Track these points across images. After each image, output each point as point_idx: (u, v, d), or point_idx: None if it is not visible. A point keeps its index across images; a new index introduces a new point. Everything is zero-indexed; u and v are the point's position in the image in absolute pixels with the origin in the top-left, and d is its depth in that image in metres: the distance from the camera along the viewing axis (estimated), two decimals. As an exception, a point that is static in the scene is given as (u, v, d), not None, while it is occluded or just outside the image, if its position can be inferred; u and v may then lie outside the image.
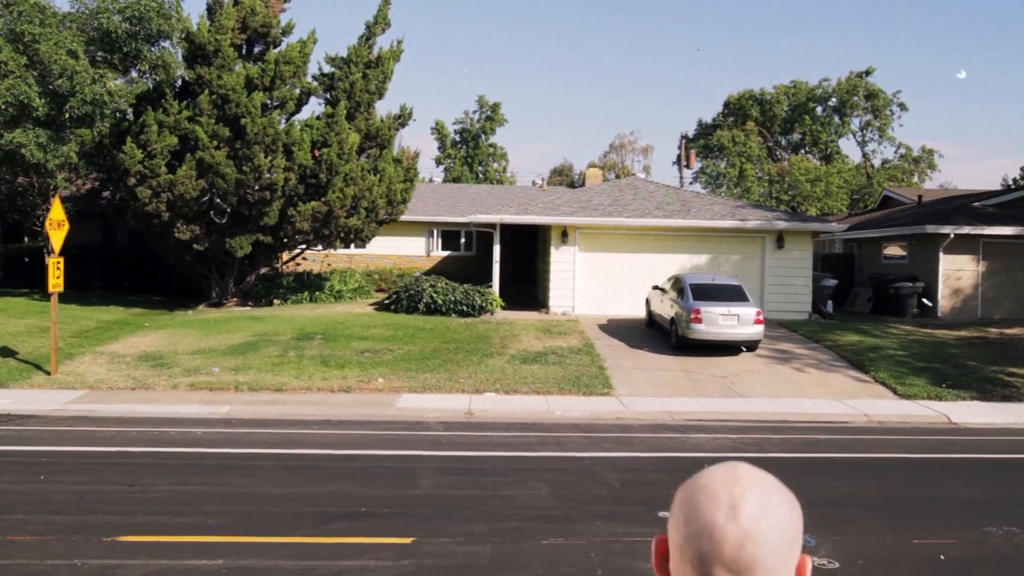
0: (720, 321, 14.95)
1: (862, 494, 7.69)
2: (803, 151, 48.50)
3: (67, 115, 16.02)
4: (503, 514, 6.80)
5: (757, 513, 0.94)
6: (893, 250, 23.37)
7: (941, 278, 21.10)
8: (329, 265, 25.06)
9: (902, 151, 47.37)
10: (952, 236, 20.72)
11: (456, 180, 49.79)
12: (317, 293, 21.32)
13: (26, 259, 23.25)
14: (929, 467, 9.03)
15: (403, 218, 24.38)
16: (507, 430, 10.31)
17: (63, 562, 5.55)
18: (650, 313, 17.98)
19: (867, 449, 9.74)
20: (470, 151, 55.03)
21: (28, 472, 7.84)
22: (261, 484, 7.57)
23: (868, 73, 47.16)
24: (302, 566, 5.56)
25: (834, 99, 47.24)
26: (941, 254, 20.99)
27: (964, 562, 6.01)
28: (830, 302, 21.56)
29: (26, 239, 24.14)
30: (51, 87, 16.42)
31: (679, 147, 40.77)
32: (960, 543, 6.36)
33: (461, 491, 7.43)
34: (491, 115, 55.47)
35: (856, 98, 46.42)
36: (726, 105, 50.03)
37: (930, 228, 20.83)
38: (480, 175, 53.19)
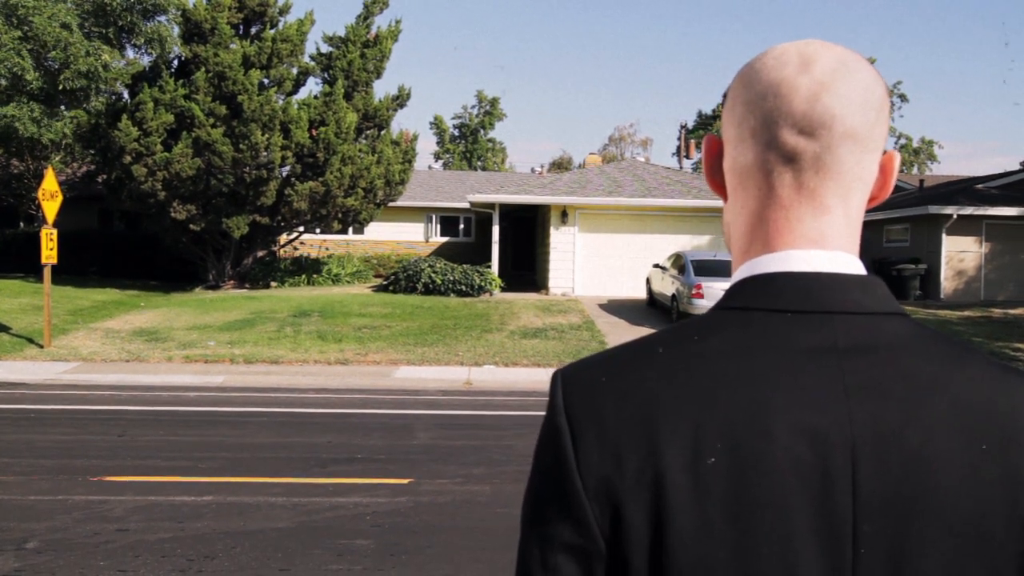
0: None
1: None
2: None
3: (60, 87, 15.83)
4: (503, 460, 6.60)
5: (836, 66, 0.74)
6: (895, 233, 23.19)
7: (944, 260, 20.91)
8: (327, 251, 24.89)
9: (902, 141, 47.22)
10: (955, 217, 20.53)
11: (455, 174, 49.72)
12: (315, 276, 21.13)
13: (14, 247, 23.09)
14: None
15: (401, 203, 24.22)
16: (507, 396, 10.13)
17: (47, 498, 5.36)
18: (651, 292, 17.80)
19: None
20: (469, 146, 54.93)
21: (13, 426, 7.65)
22: (253, 435, 7.38)
23: (868, 64, 47.03)
24: (292, 502, 5.36)
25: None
26: (944, 236, 20.80)
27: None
28: (832, 284, 21.38)
29: (21, 224, 23.98)
30: (46, 62, 16.25)
31: (679, 138, 40.65)
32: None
33: (460, 442, 7.24)
34: (490, 110, 55.37)
35: (856, 89, 46.27)
36: (726, 96, 49.81)
37: (933, 209, 20.64)
38: (479, 169, 53.06)
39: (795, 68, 0.74)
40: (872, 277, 0.74)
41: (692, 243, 19.85)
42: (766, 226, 0.76)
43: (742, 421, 0.66)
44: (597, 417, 0.69)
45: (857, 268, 0.74)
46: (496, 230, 20.47)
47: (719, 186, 0.83)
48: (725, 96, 0.81)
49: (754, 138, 0.75)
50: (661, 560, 0.65)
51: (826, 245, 0.74)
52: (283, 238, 22.89)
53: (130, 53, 19.58)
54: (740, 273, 0.76)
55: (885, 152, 0.78)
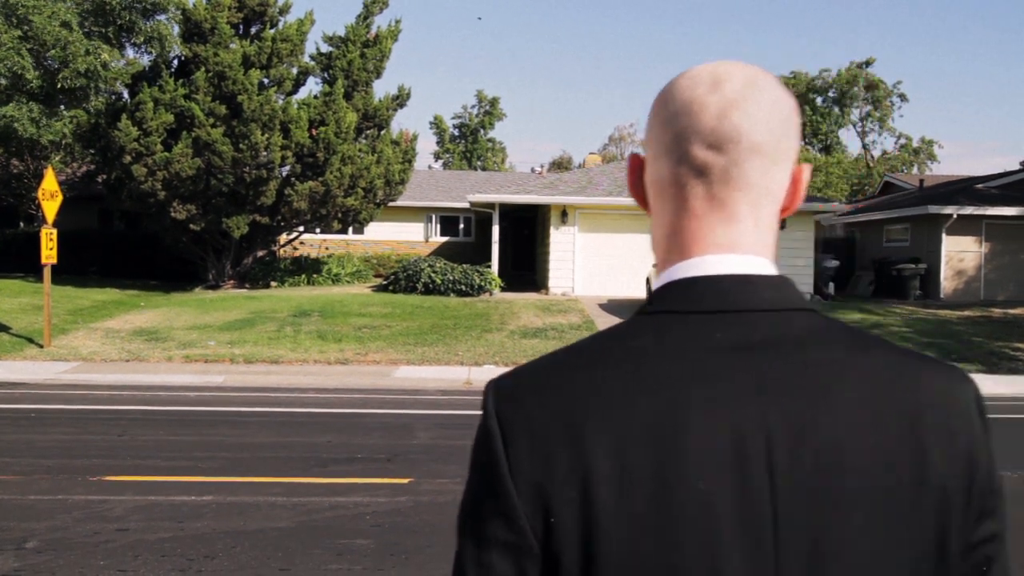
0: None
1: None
2: (803, 142, 48.42)
3: (60, 86, 15.82)
4: (502, 460, 6.59)
5: (744, 85, 0.78)
6: (895, 233, 23.19)
7: (944, 260, 20.92)
8: (327, 250, 24.89)
9: (902, 141, 47.23)
10: (955, 217, 20.54)
11: (455, 174, 49.68)
12: (315, 276, 21.14)
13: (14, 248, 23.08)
14: (938, 425, 8.85)
15: (401, 203, 24.22)
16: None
17: (47, 498, 5.36)
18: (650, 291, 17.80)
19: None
20: (468, 146, 54.91)
21: (13, 426, 7.65)
22: (253, 435, 7.38)
23: (868, 64, 47.05)
24: (293, 502, 5.36)
25: (834, 90, 47.10)
26: (944, 235, 20.81)
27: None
28: (832, 284, 21.40)
29: (21, 224, 23.98)
30: (45, 62, 16.25)
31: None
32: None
33: (460, 441, 7.23)
34: (490, 109, 55.35)
35: (856, 89, 46.29)
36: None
37: (932, 209, 20.65)
38: (479, 169, 53.03)
39: (706, 88, 0.78)
40: (782, 277, 0.78)
41: (692, 243, 19.83)
42: (682, 235, 0.80)
43: (663, 419, 0.70)
44: (526, 422, 0.72)
45: (769, 270, 0.79)
46: (496, 230, 20.48)
47: (642, 199, 0.87)
48: (649, 114, 0.86)
49: (669, 154, 0.80)
50: (591, 555, 0.68)
51: (738, 251, 0.78)
52: (283, 238, 22.89)
53: (130, 52, 19.59)
54: (661, 279, 0.81)
55: (797, 165, 0.82)
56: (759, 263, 0.78)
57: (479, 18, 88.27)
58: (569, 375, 0.74)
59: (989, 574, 0.75)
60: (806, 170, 0.82)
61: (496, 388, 0.76)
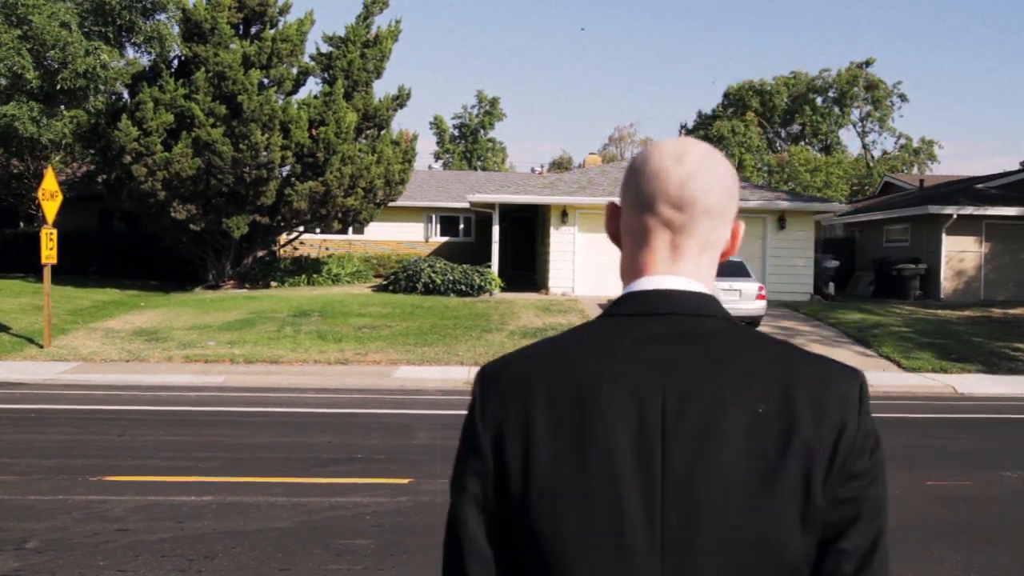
0: (722, 296, 14.80)
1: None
2: (803, 142, 48.37)
3: (59, 86, 15.82)
4: (503, 460, 6.60)
5: (700, 161, 1.05)
6: (895, 233, 23.19)
7: (944, 260, 20.91)
8: (327, 251, 24.89)
9: (902, 141, 47.23)
10: (955, 217, 20.53)
11: (455, 174, 49.66)
12: (315, 276, 21.13)
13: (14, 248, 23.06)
14: (937, 425, 8.85)
15: (401, 203, 24.22)
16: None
17: (47, 498, 5.36)
18: (651, 292, 17.80)
19: (873, 412, 9.54)
20: (468, 146, 54.88)
21: (13, 426, 7.65)
22: (253, 435, 7.38)
23: (868, 64, 47.03)
24: (292, 502, 5.36)
25: (834, 90, 47.08)
26: (944, 236, 20.80)
27: (980, 499, 5.82)
28: (832, 284, 21.40)
29: (21, 224, 23.97)
30: (45, 62, 16.24)
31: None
32: (974, 484, 6.18)
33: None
34: (490, 110, 55.33)
35: (856, 89, 46.28)
36: (726, 96, 49.88)
37: (932, 209, 20.64)
38: (479, 169, 53.02)
39: (672, 161, 1.05)
40: (708, 295, 1.04)
41: (692, 243, 19.84)
42: (640, 264, 1.07)
43: (587, 382, 0.97)
44: (495, 385, 1.02)
45: (699, 288, 1.04)
46: (496, 230, 20.48)
47: (615, 237, 1.14)
48: (625, 175, 1.13)
49: (642, 207, 1.07)
50: (528, 474, 0.96)
51: (679, 276, 1.04)
52: (283, 238, 22.89)
53: (130, 52, 19.57)
54: (621, 294, 1.08)
55: (735, 221, 1.10)
56: (691, 283, 1.04)
57: (582, 28, 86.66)
58: (531, 353, 1.04)
59: (853, 526, 0.93)
60: (741, 226, 1.11)
61: (481, 369, 1.06)
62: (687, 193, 1.03)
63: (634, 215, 1.08)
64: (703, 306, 1.02)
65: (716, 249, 1.08)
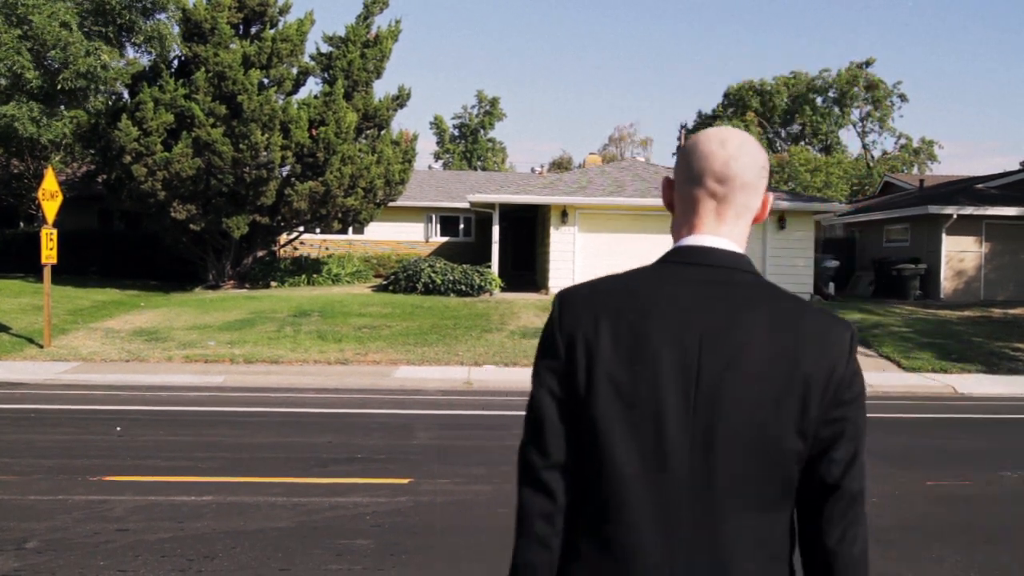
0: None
1: (870, 445, 7.46)
2: (803, 142, 48.35)
3: (60, 86, 15.81)
4: (504, 459, 6.60)
5: (739, 145, 1.34)
6: (895, 233, 23.18)
7: (944, 260, 20.91)
8: (327, 250, 24.88)
9: (903, 141, 47.23)
10: (955, 217, 20.53)
11: (455, 174, 49.62)
12: (315, 276, 21.12)
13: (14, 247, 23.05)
14: (937, 425, 8.85)
15: (401, 203, 24.21)
16: (507, 396, 10.12)
17: (47, 498, 5.36)
18: (651, 292, 17.79)
19: (873, 411, 9.55)
20: (468, 146, 54.87)
21: (13, 426, 7.65)
22: (253, 435, 7.38)
23: (868, 64, 47.03)
24: (293, 502, 5.36)
25: (834, 90, 47.07)
26: (944, 235, 20.79)
27: (980, 499, 5.82)
28: (832, 284, 21.40)
29: (21, 224, 23.96)
30: (45, 62, 16.23)
31: (678, 138, 40.65)
32: (974, 484, 6.18)
33: (460, 442, 7.24)
34: (490, 110, 55.31)
35: (856, 89, 46.27)
36: (726, 96, 49.87)
37: (933, 209, 20.63)
38: (479, 169, 53.00)
39: (716, 145, 1.34)
40: (741, 253, 1.33)
41: (692, 243, 19.82)
42: (689, 225, 1.36)
43: (644, 310, 1.26)
44: (571, 305, 1.32)
45: (735, 248, 1.33)
46: (496, 230, 20.47)
47: (669, 205, 1.43)
48: (676, 154, 1.45)
49: (692, 181, 1.36)
50: (591, 373, 1.25)
51: (719, 236, 1.33)
52: (283, 238, 22.88)
53: (130, 52, 19.57)
54: (673, 246, 1.37)
55: (765, 193, 1.39)
56: (729, 244, 1.33)
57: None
58: (600, 283, 1.35)
59: (839, 440, 1.24)
60: (770, 198, 1.40)
61: (560, 292, 1.38)
62: (729, 171, 1.33)
63: (686, 187, 1.37)
64: (738, 262, 1.32)
65: (750, 215, 1.37)
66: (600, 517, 1.26)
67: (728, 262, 1.30)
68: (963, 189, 23.16)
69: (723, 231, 1.33)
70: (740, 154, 1.33)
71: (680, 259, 1.32)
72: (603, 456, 1.24)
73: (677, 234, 1.38)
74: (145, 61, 19.34)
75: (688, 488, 1.22)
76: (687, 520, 1.22)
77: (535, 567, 1.31)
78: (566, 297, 1.35)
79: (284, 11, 19.98)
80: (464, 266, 18.91)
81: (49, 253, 12.80)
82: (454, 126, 56.12)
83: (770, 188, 23.44)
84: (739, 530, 1.22)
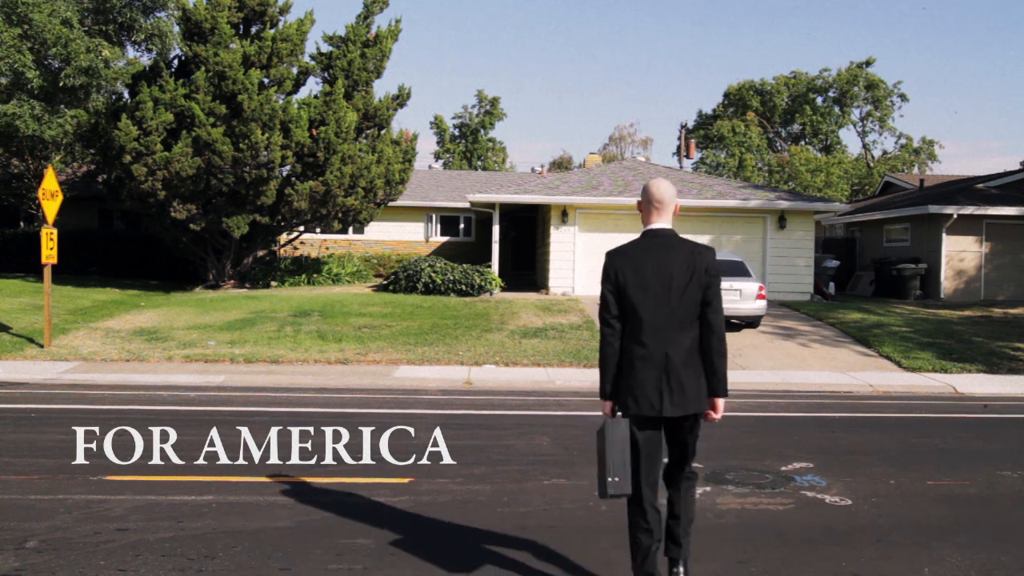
0: (724, 296, 14.77)
1: (871, 445, 7.50)
2: (803, 142, 48.34)
3: (61, 84, 15.80)
4: (504, 459, 6.60)
5: (664, 187, 3.91)
6: (895, 233, 23.18)
7: (944, 260, 20.91)
8: (327, 250, 24.88)
9: (903, 141, 47.20)
10: (955, 217, 20.53)
11: (455, 174, 49.56)
12: (315, 276, 21.13)
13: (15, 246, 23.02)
14: (937, 424, 8.84)
15: (402, 203, 24.22)
16: (507, 395, 10.12)
17: (47, 498, 5.36)
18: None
19: (873, 411, 9.56)
20: (469, 145, 54.84)
21: (14, 426, 7.64)
22: (253, 435, 7.36)
23: (868, 63, 46.99)
24: (293, 502, 5.35)
25: (834, 89, 47.05)
26: (944, 235, 20.80)
27: (980, 499, 5.81)
28: (832, 284, 21.38)
29: (21, 223, 23.96)
30: (46, 60, 16.23)
31: (679, 138, 40.61)
32: (974, 484, 6.17)
33: (460, 441, 7.23)
34: (490, 109, 55.27)
35: (856, 88, 46.25)
36: (726, 96, 49.84)
37: (933, 208, 20.63)
38: (479, 169, 52.96)
39: (655, 188, 3.93)
40: (671, 230, 3.89)
41: (692, 243, 19.83)
42: (648, 221, 3.93)
43: (639, 257, 3.81)
44: (613, 257, 3.88)
45: (668, 227, 3.89)
46: (496, 230, 20.46)
47: (640, 211, 3.99)
48: (642, 192, 4.07)
49: (648, 202, 3.93)
50: (624, 282, 3.77)
51: (661, 224, 3.91)
52: (283, 238, 22.88)
53: (130, 51, 19.56)
54: (644, 230, 3.95)
55: (676, 203, 3.97)
56: (666, 226, 3.89)
57: (924, 8, 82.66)
58: (619, 249, 3.90)
59: (711, 291, 3.75)
60: (677, 206, 4.00)
61: (608, 251, 3.92)
62: (659, 197, 3.89)
63: (646, 204, 3.92)
64: (671, 235, 3.84)
65: (670, 214, 3.90)
66: (633, 334, 3.74)
67: (666, 234, 3.83)
68: (963, 189, 23.16)
69: (662, 222, 3.87)
70: (664, 191, 3.88)
71: (649, 236, 3.86)
72: (635, 310, 3.72)
73: (645, 224, 3.91)
74: (145, 60, 19.36)
75: (666, 320, 3.70)
76: (665, 333, 3.70)
77: (611, 353, 3.76)
78: (612, 253, 3.86)
79: (284, 11, 19.97)
80: (464, 266, 18.91)
81: (49, 253, 12.80)
82: (454, 126, 56.10)
83: (770, 188, 23.53)
84: (684, 337, 3.72)
